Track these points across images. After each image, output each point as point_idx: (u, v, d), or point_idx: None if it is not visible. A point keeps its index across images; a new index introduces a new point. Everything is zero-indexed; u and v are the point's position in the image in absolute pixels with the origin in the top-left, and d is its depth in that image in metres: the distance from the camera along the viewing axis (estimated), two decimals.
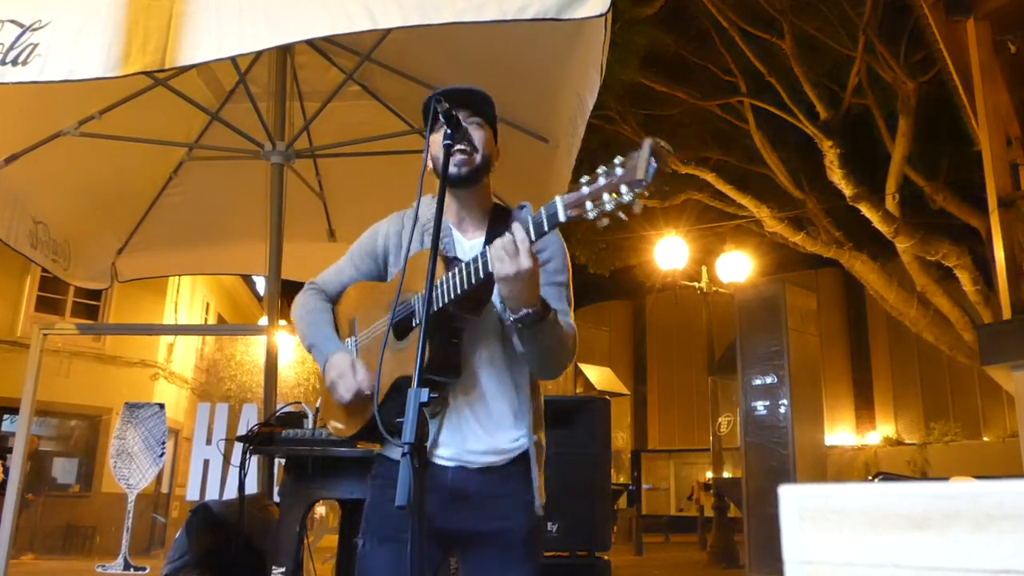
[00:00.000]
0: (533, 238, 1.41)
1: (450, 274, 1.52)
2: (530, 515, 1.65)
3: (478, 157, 1.67)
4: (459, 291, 1.49)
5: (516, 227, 1.44)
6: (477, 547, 1.64)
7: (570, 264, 1.78)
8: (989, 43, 6.96)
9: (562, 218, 1.34)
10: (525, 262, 1.42)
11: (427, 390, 1.30)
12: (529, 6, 2.04)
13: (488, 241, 1.65)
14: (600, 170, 1.30)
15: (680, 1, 10.37)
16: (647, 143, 1.24)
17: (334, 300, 1.84)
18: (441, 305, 1.52)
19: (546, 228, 1.38)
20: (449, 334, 1.58)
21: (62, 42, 2.13)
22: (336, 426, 1.79)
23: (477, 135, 1.69)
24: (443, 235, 1.71)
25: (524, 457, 1.66)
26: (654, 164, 1.22)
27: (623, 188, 1.25)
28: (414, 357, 1.54)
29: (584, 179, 1.31)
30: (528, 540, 1.65)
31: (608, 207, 1.27)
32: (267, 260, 3.86)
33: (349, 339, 1.78)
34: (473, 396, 1.64)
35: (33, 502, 12.13)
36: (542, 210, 1.38)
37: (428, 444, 1.61)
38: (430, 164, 1.68)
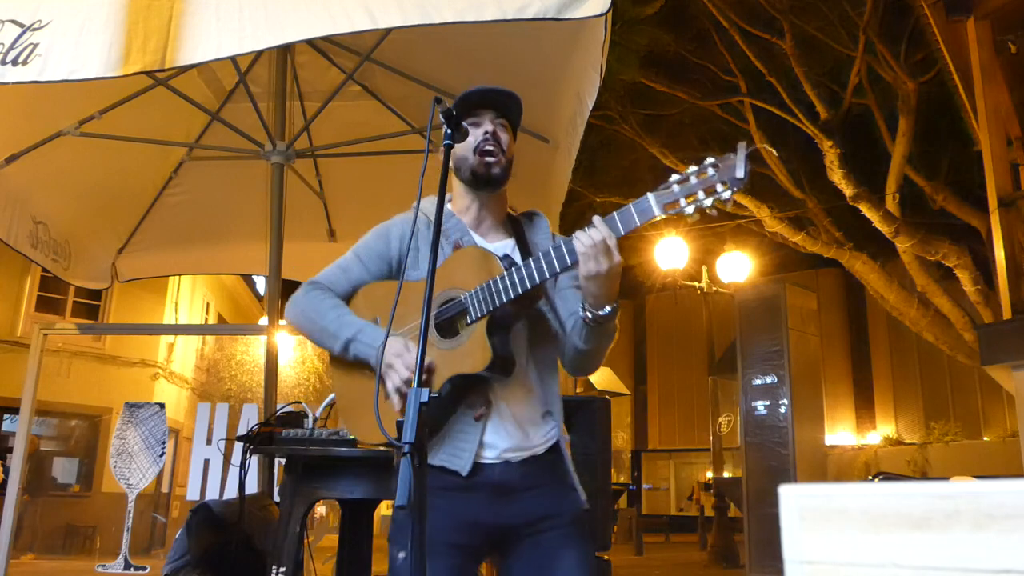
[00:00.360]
0: (622, 232, 1.44)
1: (509, 273, 1.52)
2: (575, 500, 1.66)
3: (504, 159, 1.67)
4: (528, 285, 1.50)
5: (599, 222, 1.47)
6: (527, 537, 1.62)
7: None
8: (989, 43, 6.96)
9: (656, 213, 1.40)
10: (616, 258, 1.47)
11: (427, 390, 1.29)
12: (529, 6, 2.04)
13: (519, 245, 1.69)
14: (691, 170, 1.38)
15: (680, 1, 10.37)
16: (742, 145, 1.35)
17: (345, 300, 1.75)
18: (502, 302, 1.52)
19: (637, 222, 1.42)
20: (505, 331, 1.58)
21: (62, 42, 2.13)
22: (363, 432, 1.70)
23: (504, 137, 1.68)
24: (461, 234, 1.70)
25: (555, 448, 1.67)
26: (750, 165, 1.33)
27: (719, 186, 1.34)
28: (472, 356, 1.55)
29: (674, 178, 1.38)
30: (576, 524, 1.64)
31: (706, 203, 1.36)
32: (267, 260, 3.86)
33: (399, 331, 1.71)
34: (516, 395, 1.64)
35: (32, 502, 12.12)
36: (631, 206, 1.41)
37: (474, 445, 1.59)
38: (450, 166, 1.63)
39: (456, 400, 1.60)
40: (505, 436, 1.63)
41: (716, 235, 13.24)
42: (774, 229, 10.89)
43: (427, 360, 1.48)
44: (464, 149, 1.66)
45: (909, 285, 10.31)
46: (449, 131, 1.55)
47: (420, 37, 3.30)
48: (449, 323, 1.60)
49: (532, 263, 1.51)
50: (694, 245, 13.10)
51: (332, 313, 1.69)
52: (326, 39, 3.71)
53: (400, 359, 1.56)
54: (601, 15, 2.09)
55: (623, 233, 1.43)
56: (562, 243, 1.50)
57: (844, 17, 9.71)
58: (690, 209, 1.36)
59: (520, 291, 1.51)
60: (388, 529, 1.63)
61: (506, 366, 1.59)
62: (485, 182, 1.67)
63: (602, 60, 2.55)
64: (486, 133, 1.65)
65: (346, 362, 1.72)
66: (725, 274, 12.64)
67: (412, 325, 1.63)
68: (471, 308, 1.56)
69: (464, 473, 1.58)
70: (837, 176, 9.58)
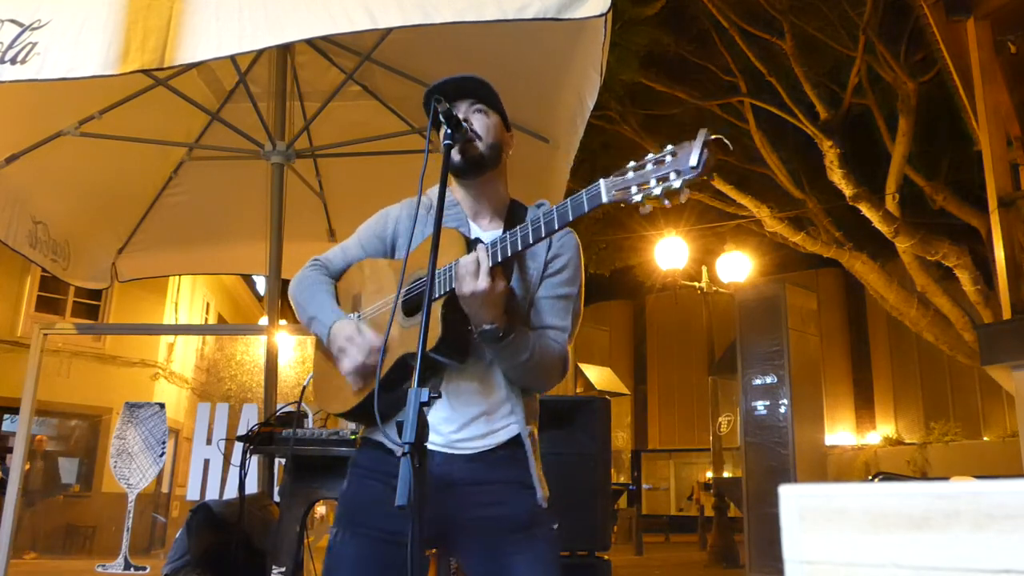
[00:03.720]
0: (571, 217, 1.39)
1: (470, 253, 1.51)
2: (527, 499, 1.60)
3: (481, 144, 1.65)
4: None
5: (480, 248, 1.47)
6: (469, 536, 1.59)
7: (583, 275, 1.74)
8: (989, 43, 6.96)
9: (604, 199, 1.34)
10: (482, 283, 1.44)
11: (427, 390, 1.29)
12: (529, 6, 2.04)
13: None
14: (649, 156, 1.30)
15: (680, 1, 10.37)
16: (702, 132, 1.25)
17: (336, 277, 1.81)
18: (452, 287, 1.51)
19: (586, 208, 1.37)
20: (463, 316, 1.55)
21: (61, 41, 2.13)
22: (328, 403, 1.74)
23: (481, 123, 1.67)
24: (459, 224, 1.69)
25: (512, 442, 1.62)
26: (707, 154, 1.23)
27: (672, 175, 1.26)
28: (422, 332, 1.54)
29: (631, 164, 1.32)
30: (529, 523, 1.59)
31: (655, 192, 1.27)
32: (267, 260, 3.86)
33: (352, 314, 1.74)
34: (470, 383, 1.62)
35: (41, 502, 12.13)
36: (582, 193, 1.37)
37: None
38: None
39: (407, 383, 1.56)
40: (451, 422, 1.60)
41: (716, 235, 13.25)
42: (774, 229, 10.89)
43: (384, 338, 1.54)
44: (444, 139, 1.64)
45: (909, 285, 10.31)
46: (449, 131, 1.55)
47: (420, 37, 3.30)
48: (414, 303, 1.60)
49: (488, 246, 1.50)
50: (694, 245, 13.11)
51: (309, 290, 1.75)
52: (326, 39, 3.71)
53: (351, 343, 1.59)
54: (601, 15, 2.09)
55: (572, 219, 1.39)
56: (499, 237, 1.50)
57: (844, 17, 9.72)
58: (638, 198, 1.28)
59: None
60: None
61: (456, 349, 1.56)
62: (464, 169, 1.66)
63: (602, 60, 2.55)
64: (463, 120, 1.64)
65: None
66: (725, 274, 12.64)
67: (384, 301, 1.67)
68: (435, 288, 1.56)
69: (397, 454, 1.57)
70: (837, 176, 9.58)
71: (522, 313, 1.64)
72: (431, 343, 1.50)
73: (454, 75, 1.68)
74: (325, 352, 1.75)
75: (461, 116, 1.64)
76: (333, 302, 1.73)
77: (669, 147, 1.29)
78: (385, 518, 1.48)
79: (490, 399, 1.63)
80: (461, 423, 1.61)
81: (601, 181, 1.35)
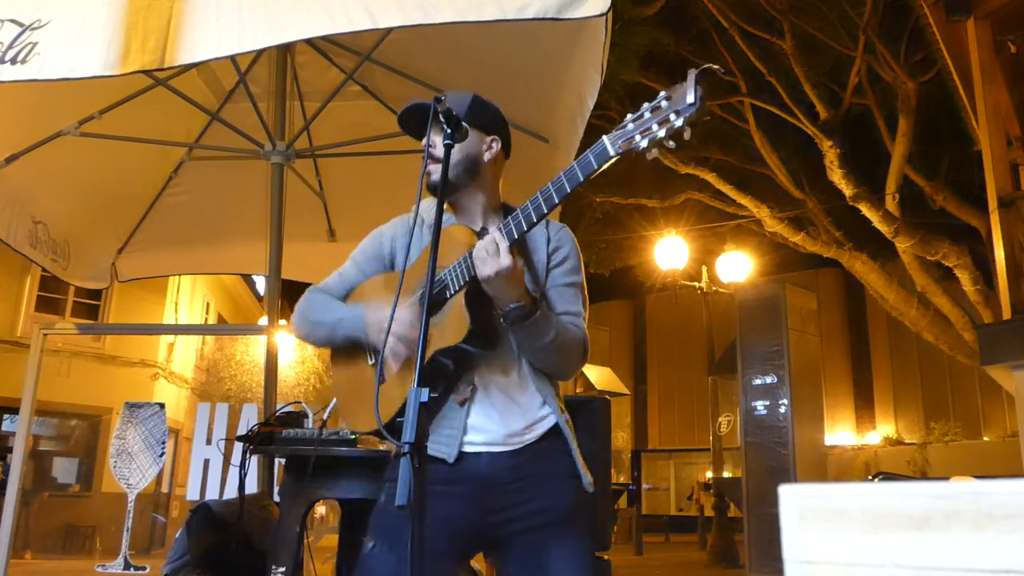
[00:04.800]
0: (581, 178, 1.41)
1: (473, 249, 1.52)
2: (572, 488, 1.61)
3: (443, 167, 1.58)
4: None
5: (493, 229, 1.48)
6: (517, 535, 1.58)
7: (583, 263, 1.77)
8: (989, 43, 6.95)
9: (612, 152, 1.36)
10: (505, 260, 1.45)
11: (427, 390, 1.29)
12: (529, 6, 2.04)
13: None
14: (645, 106, 1.33)
15: (680, 1, 10.37)
16: (692, 72, 1.27)
17: (342, 299, 1.79)
18: (473, 274, 1.51)
19: (595, 166, 1.39)
20: (486, 303, 1.55)
21: (61, 41, 2.13)
22: (358, 421, 1.71)
23: (438, 144, 1.62)
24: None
25: (553, 432, 1.63)
26: (701, 89, 1.26)
27: (672, 115, 1.28)
28: (451, 328, 1.53)
29: (629, 116, 1.34)
30: (573, 515, 1.59)
31: (659, 134, 1.30)
32: (267, 260, 3.86)
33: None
34: (503, 376, 1.62)
35: (34, 501, 12.13)
36: (588, 152, 1.39)
37: (458, 431, 1.57)
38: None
39: (444, 385, 1.58)
40: (493, 419, 1.60)
41: (716, 235, 13.25)
42: (774, 229, 10.89)
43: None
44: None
45: (909, 285, 10.31)
46: (449, 131, 1.55)
47: (420, 37, 3.30)
48: (436, 300, 1.60)
49: (502, 227, 1.51)
50: (694, 245, 13.11)
51: (323, 307, 1.75)
52: (326, 39, 3.70)
53: (397, 324, 1.55)
54: (601, 15, 2.09)
55: (582, 179, 1.41)
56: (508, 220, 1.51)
57: (844, 17, 9.72)
58: (644, 143, 1.31)
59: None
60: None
61: (487, 337, 1.57)
62: (433, 190, 1.64)
63: (603, 60, 2.55)
64: (429, 146, 1.64)
65: (343, 359, 1.76)
66: (725, 274, 12.64)
67: (409, 303, 1.65)
68: (450, 283, 1.57)
69: (451, 460, 1.56)
70: (837, 176, 9.58)
71: (539, 296, 1.65)
72: (460, 336, 1.52)
73: (415, 101, 1.65)
74: (344, 376, 1.75)
75: (426, 140, 1.63)
76: (357, 307, 1.71)
77: (662, 93, 1.32)
78: (426, 529, 1.49)
79: (523, 392, 1.63)
80: (501, 420, 1.61)
81: (604, 137, 1.38)
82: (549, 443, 1.63)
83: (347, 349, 1.76)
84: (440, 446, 1.57)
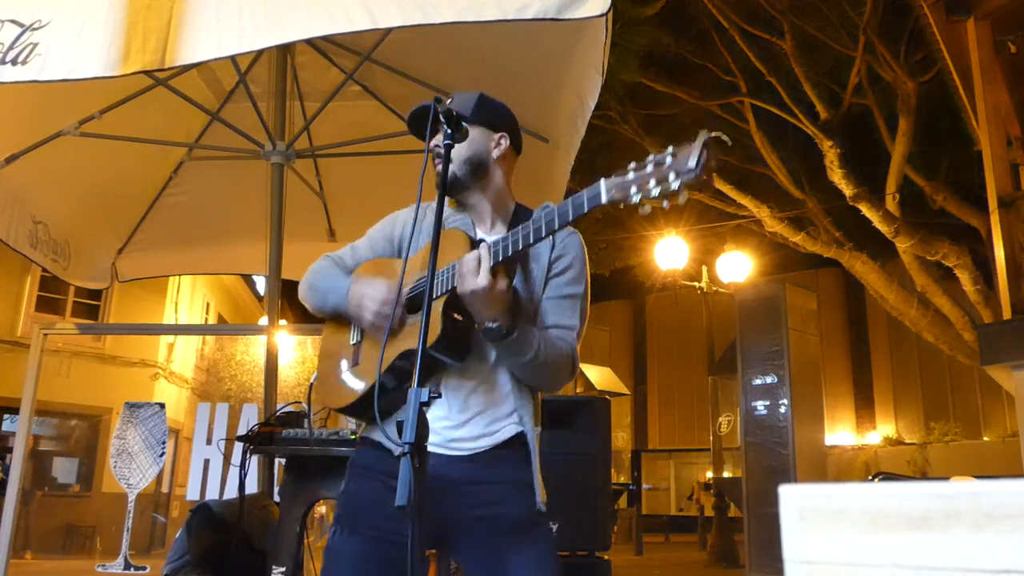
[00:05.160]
0: (571, 217, 1.40)
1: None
2: (526, 498, 1.59)
3: (451, 167, 1.62)
4: None
5: (483, 246, 1.48)
6: (468, 536, 1.58)
7: (589, 274, 1.75)
8: (989, 43, 6.95)
9: (604, 200, 1.35)
10: (482, 281, 1.45)
11: (427, 390, 1.29)
12: (529, 6, 2.04)
13: None
14: (650, 157, 1.31)
15: (680, 1, 10.37)
16: (703, 134, 1.26)
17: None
18: (455, 285, 1.51)
19: (586, 208, 1.38)
20: (464, 315, 1.55)
21: (62, 41, 2.13)
22: (331, 398, 1.75)
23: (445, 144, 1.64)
24: (465, 228, 1.70)
25: (513, 441, 1.62)
26: (706, 155, 1.24)
27: (671, 176, 1.26)
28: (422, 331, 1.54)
29: (632, 165, 1.33)
30: (527, 523, 1.58)
31: (653, 193, 1.28)
32: (267, 260, 3.86)
33: None
34: (471, 382, 1.62)
35: (33, 500, 12.13)
36: (583, 192, 1.38)
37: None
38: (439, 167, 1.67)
39: (407, 381, 1.56)
40: (447, 423, 1.59)
41: (716, 235, 13.25)
42: (774, 229, 10.90)
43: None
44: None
45: (909, 285, 10.31)
46: (449, 131, 1.55)
47: (420, 37, 3.30)
48: (418, 301, 1.61)
49: (491, 245, 1.51)
50: (694, 245, 13.11)
51: (326, 272, 1.79)
52: (326, 39, 3.70)
53: (366, 298, 1.61)
54: (601, 15, 2.09)
55: (572, 219, 1.41)
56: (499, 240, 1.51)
57: (844, 17, 9.71)
58: (637, 199, 1.30)
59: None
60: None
61: (456, 349, 1.57)
62: (443, 188, 1.64)
63: (603, 60, 2.55)
64: (436, 145, 1.65)
65: (329, 333, 1.81)
66: (725, 274, 12.64)
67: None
68: (436, 287, 1.57)
69: (395, 453, 1.56)
70: (837, 176, 9.58)
71: (528, 313, 1.64)
72: (430, 341, 1.50)
73: (424, 103, 1.65)
74: (326, 349, 1.78)
75: (432, 142, 1.64)
76: (349, 279, 1.75)
77: (670, 148, 1.29)
78: (384, 517, 1.49)
79: (490, 399, 1.63)
80: (458, 422, 1.60)
81: (601, 181, 1.36)
82: (508, 451, 1.61)
83: (335, 324, 1.80)
84: (393, 436, 1.56)
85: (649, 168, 1.30)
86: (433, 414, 1.58)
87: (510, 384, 1.64)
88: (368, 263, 1.80)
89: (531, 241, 1.45)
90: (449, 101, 1.60)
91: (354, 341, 1.74)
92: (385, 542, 1.52)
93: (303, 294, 1.82)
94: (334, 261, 1.82)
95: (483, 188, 1.72)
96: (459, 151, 1.66)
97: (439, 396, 1.44)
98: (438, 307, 1.53)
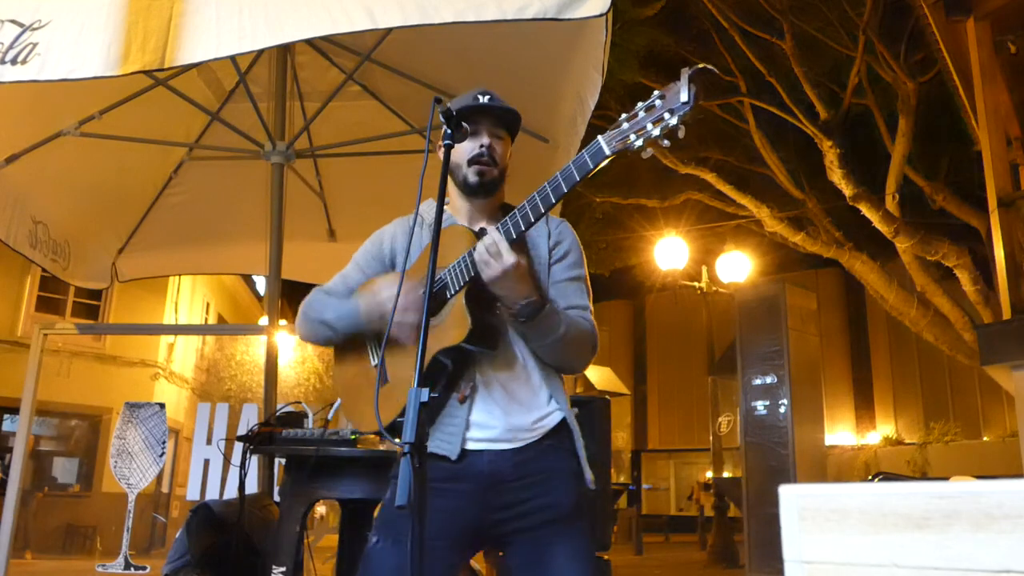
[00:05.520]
0: (578, 178, 1.42)
1: (480, 242, 1.53)
2: (576, 487, 1.62)
3: (496, 171, 1.69)
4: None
5: (491, 230, 1.48)
6: (519, 533, 1.59)
7: (584, 257, 1.78)
8: (989, 43, 6.95)
9: (607, 152, 1.38)
10: (509, 259, 1.45)
11: (427, 390, 1.29)
12: (529, 6, 2.04)
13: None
14: (639, 105, 1.35)
15: (680, 1, 10.37)
16: (686, 70, 1.29)
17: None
18: (476, 272, 1.52)
19: (591, 165, 1.40)
20: (489, 304, 1.56)
21: (62, 41, 2.13)
22: (362, 420, 1.73)
23: (500, 149, 1.71)
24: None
25: (559, 429, 1.64)
26: (695, 87, 1.27)
27: (666, 114, 1.30)
28: (452, 328, 1.54)
29: (623, 116, 1.36)
30: (576, 513, 1.60)
31: (654, 133, 1.32)
32: (267, 260, 3.86)
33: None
34: (505, 373, 1.62)
35: (32, 500, 12.13)
36: (583, 152, 1.40)
37: (460, 428, 1.58)
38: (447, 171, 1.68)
39: (445, 383, 1.58)
40: (496, 415, 1.60)
41: (716, 235, 13.25)
42: (774, 229, 10.89)
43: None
44: (460, 156, 1.68)
45: (909, 285, 10.30)
46: (449, 131, 1.55)
47: (420, 37, 3.30)
48: (436, 300, 1.61)
49: (499, 228, 1.52)
50: (694, 245, 13.11)
51: (323, 306, 1.78)
52: (326, 39, 3.70)
53: (403, 295, 1.58)
54: (601, 15, 2.09)
55: (579, 179, 1.43)
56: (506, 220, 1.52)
57: (844, 17, 9.71)
58: (639, 142, 1.33)
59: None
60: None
61: (488, 337, 1.57)
62: (475, 191, 1.70)
63: (603, 60, 2.55)
64: (482, 146, 1.68)
65: (347, 359, 1.78)
66: (725, 274, 12.64)
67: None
68: (450, 283, 1.58)
69: (453, 457, 1.56)
70: (837, 176, 9.57)
71: (545, 291, 1.66)
72: (462, 336, 1.51)
73: (494, 103, 1.69)
74: (346, 383, 1.76)
75: (486, 141, 1.67)
76: (355, 300, 1.74)
77: (656, 92, 1.33)
78: (428, 527, 1.50)
79: (527, 388, 1.64)
80: (504, 416, 1.61)
81: (599, 136, 1.40)
82: (554, 440, 1.63)
83: (350, 349, 1.78)
84: (443, 443, 1.57)
85: (641, 114, 1.34)
86: (479, 411, 1.59)
87: (540, 372, 1.65)
88: (367, 284, 1.78)
89: (542, 210, 1.47)
90: (488, 99, 1.63)
91: (375, 363, 1.73)
92: (428, 552, 1.53)
93: (303, 331, 1.80)
94: (327, 293, 1.81)
95: (496, 196, 1.76)
96: (503, 157, 1.71)
97: (438, 396, 1.45)
98: (460, 302, 1.54)
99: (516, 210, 1.50)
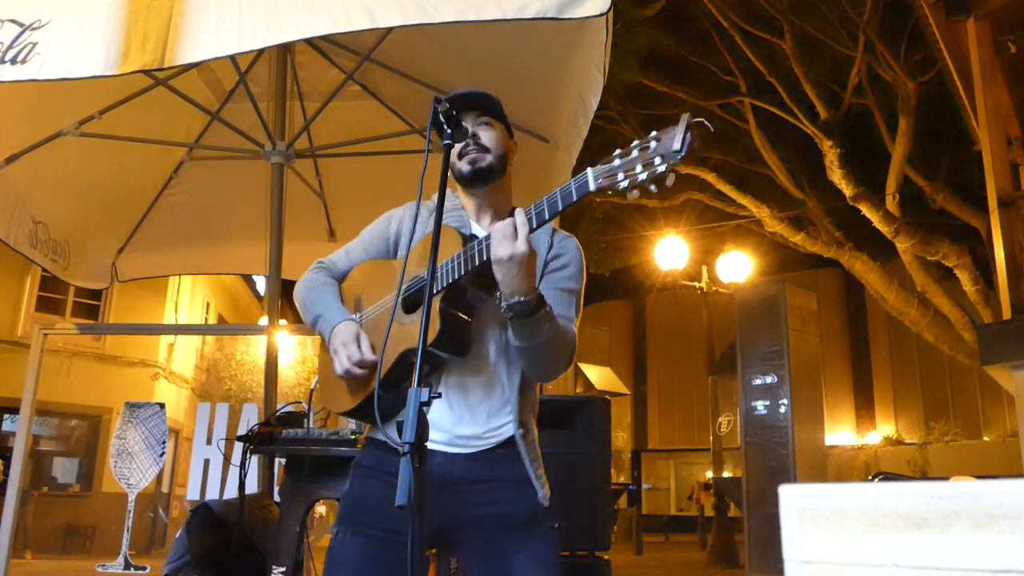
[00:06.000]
0: (560, 207, 1.41)
1: (464, 249, 1.52)
2: (528, 497, 1.61)
3: (490, 156, 1.68)
4: (470, 266, 1.50)
5: (518, 211, 1.46)
6: (470, 535, 1.59)
7: (585, 276, 1.76)
8: (989, 43, 6.94)
9: (592, 188, 1.35)
10: (521, 246, 1.43)
11: (427, 390, 1.29)
12: (529, 5, 2.04)
13: None
14: (634, 144, 1.32)
15: (680, 1, 10.37)
16: (684, 117, 1.27)
17: (341, 279, 1.83)
18: (454, 279, 1.51)
19: (575, 197, 1.38)
20: (462, 310, 1.56)
21: (61, 41, 2.13)
22: (332, 402, 1.75)
23: (487, 135, 1.69)
24: (461, 225, 1.71)
25: (511, 442, 1.63)
26: (690, 137, 1.25)
27: (657, 160, 1.27)
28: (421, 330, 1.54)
29: (617, 152, 1.34)
30: (530, 522, 1.59)
31: (641, 177, 1.29)
32: (267, 260, 3.86)
33: (355, 314, 1.76)
34: (472, 379, 1.62)
35: (31, 500, 12.13)
36: (571, 182, 1.39)
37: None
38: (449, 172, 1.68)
39: (407, 380, 1.56)
40: (450, 420, 1.60)
41: (716, 235, 13.25)
42: (774, 229, 10.89)
43: (369, 344, 1.59)
44: (454, 154, 1.69)
45: (909, 285, 10.30)
46: (449, 131, 1.55)
47: (420, 37, 3.30)
48: (413, 300, 1.62)
49: (474, 244, 1.51)
50: (694, 245, 13.11)
51: (314, 292, 1.78)
52: (326, 39, 3.70)
53: (345, 348, 1.62)
54: (601, 15, 2.09)
55: (562, 208, 1.41)
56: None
57: (844, 17, 9.71)
58: (624, 184, 1.30)
59: (471, 265, 1.50)
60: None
61: (457, 344, 1.56)
62: (471, 181, 1.70)
63: (604, 60, 2.55)
64: (467, 136, 1.68)
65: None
66: (725, 274, 12.64)
67: (384, 300, 1.69)
68: (433, 283, 1.57)
69: (402, 452, 1.56)
70: (837, 176, 9.57)
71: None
72: (430, 339, 1.50)
73: (463, 90, 1.69)
74: (326, 356, 1.76)
75: (469, 128, 1.68)
76: (337, 302, 1.75)
77: (653, 133, 1.31)
78: (387, 517, 1.48)
79: (491, 396, 1.63)
80: (462, 421, 1.61)
81: (588, 170, 1.37)
82: (510, 450, 1.62)
83: None
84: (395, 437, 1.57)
85: (634, 153, 1.31)
86: (435, 412, 1.59)
87: (508, 382, 1.64)
88: (364, 265, 1.80)
89: (534, 225, 1.45)
90: (443, 99, 1.61)
91: None
92: (387, 543, 1.52)
93: (298, 303, 1.82)
94: (327, 270, 1.82)
95: (498, 186, 1.74)
96: (495, 141, 1.70)
97: (439, 396, 1.44)
98: (436, 303, 1.53)
99: (532, 206, 1.49)
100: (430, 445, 1.55)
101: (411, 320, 1.60)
